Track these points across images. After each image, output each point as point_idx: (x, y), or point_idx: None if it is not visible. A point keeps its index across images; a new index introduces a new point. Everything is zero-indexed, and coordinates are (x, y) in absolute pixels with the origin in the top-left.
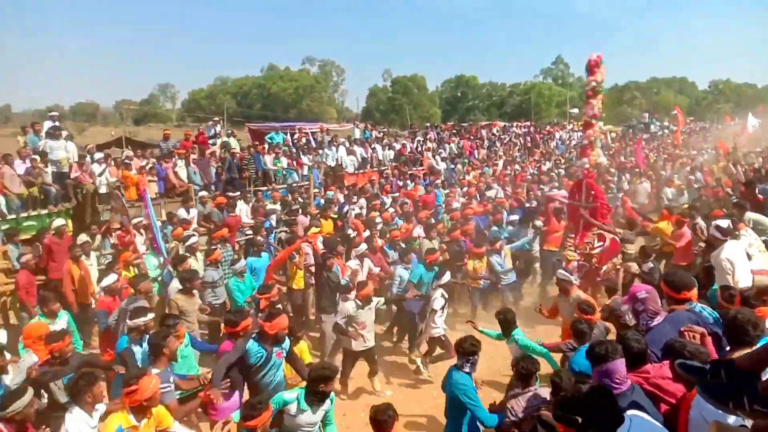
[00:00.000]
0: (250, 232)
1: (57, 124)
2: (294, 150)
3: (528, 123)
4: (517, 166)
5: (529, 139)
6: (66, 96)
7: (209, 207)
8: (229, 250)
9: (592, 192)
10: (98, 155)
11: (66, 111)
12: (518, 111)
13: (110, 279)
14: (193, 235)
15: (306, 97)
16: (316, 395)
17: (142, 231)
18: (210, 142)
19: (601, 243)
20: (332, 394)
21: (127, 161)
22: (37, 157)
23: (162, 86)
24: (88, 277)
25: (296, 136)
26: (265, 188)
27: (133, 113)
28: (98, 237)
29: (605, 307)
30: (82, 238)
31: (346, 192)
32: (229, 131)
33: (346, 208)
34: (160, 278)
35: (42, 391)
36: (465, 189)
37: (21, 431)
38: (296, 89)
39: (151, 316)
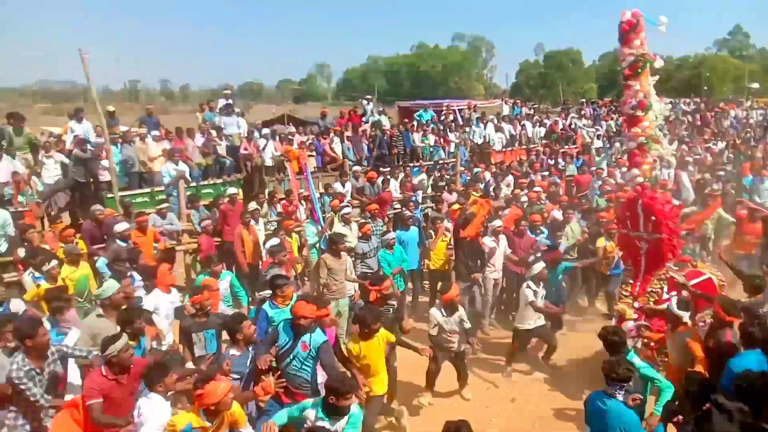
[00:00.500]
0: (398, 206)
1: (230, 102)
2: (441, 127)
3: (698, 99)
4: (684, 146)
5: (698, 117)
6: (235, 76)
7: (361, 181)
8: (379, 224)
9: (653, 218)
10: (265, 131)
11: (234, 90)
12: (687, 86)
13: (273, 242)
14: (347, 206)
15: (454, 75)
16: (328, 407)
17: (303, 201)
18: (362, 119)
19: (673, 293)
20: (357, 411)
21: (290, 137)
22: (214, 132)
23: (319, 66)
24: (256, 240)
25: (444, 113)
26: (412, 164)
27: (292, 92)
28: (265, 205)
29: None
30: (252, 205)
31: (494, 170)
32: (380, 109)
33: (492, 186)
34: (317, 245)
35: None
36: (623, 169)
37: (120, 373)
38: (445, 67)
39: (267, 293)
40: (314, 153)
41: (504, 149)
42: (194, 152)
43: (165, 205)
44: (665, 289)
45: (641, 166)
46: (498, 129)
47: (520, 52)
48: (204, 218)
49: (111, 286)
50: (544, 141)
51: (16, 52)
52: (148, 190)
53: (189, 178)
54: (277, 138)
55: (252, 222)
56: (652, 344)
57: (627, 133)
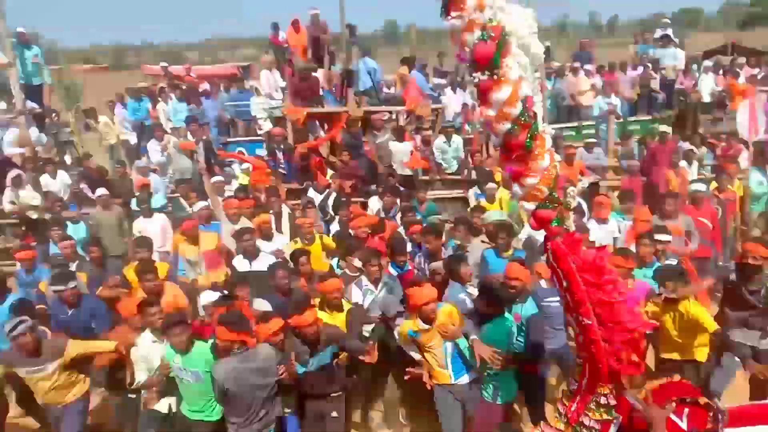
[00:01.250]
0: None
1: (668, 32)
2: None
3: None
4: None
5: None
6: (669, 2)
7: None
8: None
9: (566, 281)
10: (706, 63)
11: (669, 18)
12: None
13: (699, 186)
14: None
15: None
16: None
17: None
18: None
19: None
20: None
21: (736, 69)
22: (650, 65)
23: None
24: (684, 184)
25: None
26: None
27: (740, 16)
28: (702, 147)
29: None
30: (686, 146)
31: None
32: None
33: None
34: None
35: None
36: None
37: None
38: None
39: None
40: (766, 88)
41: None
42: (625, 87)
43: (592, 139)
44: (612, 413)
45: (526, 178)
46: None
47: None
48: (628, 158)
49: (491, 214)
50: None
51: None
52: (575, 123)
53: (619, 113)
54: (720, 71)
55: (683, 164)
56: None
57: (481, 116)
